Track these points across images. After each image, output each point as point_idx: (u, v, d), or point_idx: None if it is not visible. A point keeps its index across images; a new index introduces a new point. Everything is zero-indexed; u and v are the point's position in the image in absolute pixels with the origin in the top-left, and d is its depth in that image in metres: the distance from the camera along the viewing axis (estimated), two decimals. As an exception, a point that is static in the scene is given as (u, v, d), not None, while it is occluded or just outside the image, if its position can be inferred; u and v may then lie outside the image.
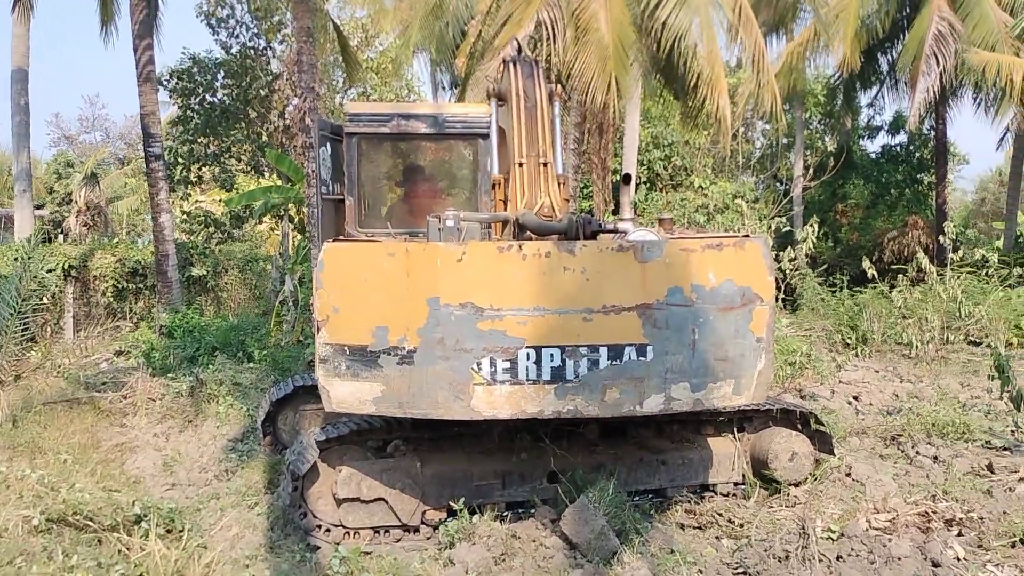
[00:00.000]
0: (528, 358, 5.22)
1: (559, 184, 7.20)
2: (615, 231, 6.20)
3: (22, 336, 11.53)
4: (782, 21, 20.29)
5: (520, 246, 5.28)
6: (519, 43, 7.65)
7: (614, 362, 5.26)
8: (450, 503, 6.05)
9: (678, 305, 5.29)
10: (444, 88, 23.36)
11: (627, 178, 6.87)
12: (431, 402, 5.26)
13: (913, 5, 22.14)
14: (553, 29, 14.11)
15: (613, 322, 5.24)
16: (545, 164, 6.92)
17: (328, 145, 7.57)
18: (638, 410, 5.34)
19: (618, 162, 20.55)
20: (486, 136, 7.33)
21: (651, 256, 5.28)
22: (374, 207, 7.62)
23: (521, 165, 6.91)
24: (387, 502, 6.07)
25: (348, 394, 5.39)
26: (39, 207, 35.28)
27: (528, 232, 6.38)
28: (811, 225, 12.39)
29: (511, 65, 7.21)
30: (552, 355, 5.23)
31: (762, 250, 5.45)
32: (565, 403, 5.28)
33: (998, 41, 19.10)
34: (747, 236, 5.58)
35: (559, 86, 7.73)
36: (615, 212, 19.97)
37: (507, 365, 5.22)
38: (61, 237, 31.39)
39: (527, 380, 5.24)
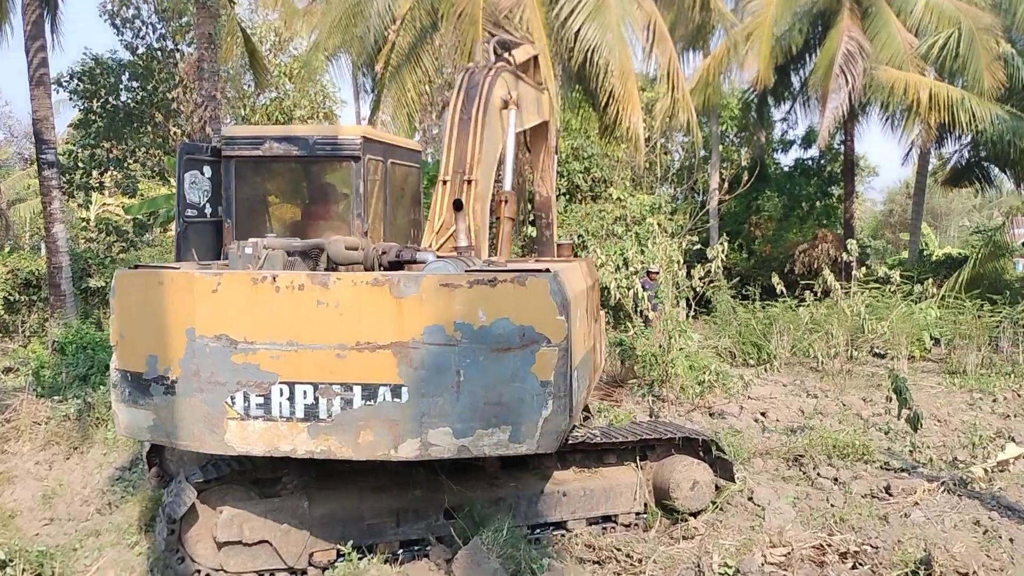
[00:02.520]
0: (282, 394, 5.02)
1: (503, 202, 6.95)
2: (414, 261, 5.97)
3: None
4: (699, 37, 20.55)
5: (274, 277, 5.07)
6: (495, 46, 7.36)
7: (368, 402, 4.97)
8: (338, 545, 5.77)
9: (438, 344, 4.94)
10: (368, 92, 22.96)
11: (457, 205, 6.58)
12: (189, 434, 5.15)
13: (824, 25, 22.75)
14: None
15: (368, 360, 4.96)
16: (470, 182, 6.64)
17: (206, 168, 7.58)
18: (393, 455, 5.01)
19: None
20: (357, 159, 7.23)
21: (407, 292, 4.95)
22: (252, 229, 7.41)
23: (445, 183, 6.66)
24: (272, 544, 5.75)
25: (131, 420, 5.40)
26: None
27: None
28: (721, 243, 12.46)
29: (463, 75, 6.97)
30: (305, 392, 5.01)
31: (549, 287, 4.96)
32: (318, 443, 5.04)
33: (904, 61, 19.76)
34: (545, 271, 5.11)
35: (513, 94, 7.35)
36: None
37: (260, 400, 5.03)
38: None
39: (280, 417, 5.04)
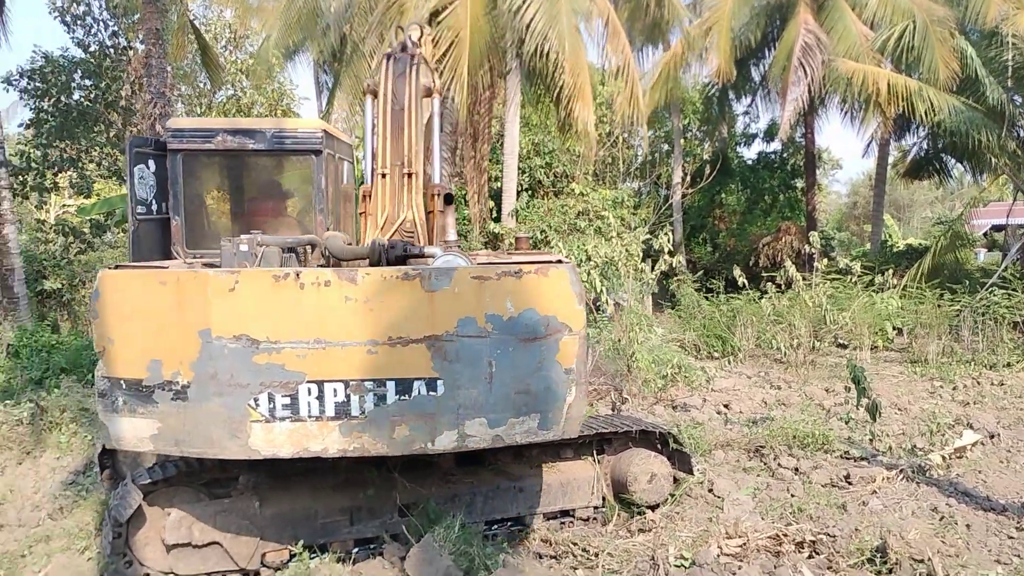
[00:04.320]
0: (310, 393, 4.88)
1: (434, 196, 6.78)
2: (422, 256, 5.88)
3: None
4: (657, 32, 20.60)
5: (297, 274, 4.92)
6: (406, 31, 7.03)
7: (402, 397, 4.93)
8: (290, 545, 5.66)
9: (471, 336, 4.96)
10: (328, 89, 22.71)
11: (448, 198, 6.49)
12: (206, 440, 4.90)
13: (782, 18, 22.91)
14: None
15: (400, 355, 4.91)
16: (410, 174, 6.47)
17: (151, 162, 7.19)
18: (430, 448, 5.00)
19: (499, 169, 20.42)
20: (319, 152, 6.98)
21: (439, 285, 4.94)
22: (203, 227, 7.19)
23: (384, 176, 6.46)
24: (222, 546, 5.63)
25: (126, 430, 5.02)
26: None
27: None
28: (667, 233, 12.43)
29: (386, 60, 6.67)
30: (335, 390, 4.89)
31: (569, 277, 5.11)
32: (351, 440, 4.94)
33: (861, 53, 19.93)
34: (559, 261, 5.27)
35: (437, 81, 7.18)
36: (496, 220, 19.82)
37: (287, 401, 4.87)
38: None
39: (309, 417, 4.90)
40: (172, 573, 5.62)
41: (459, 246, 6.22)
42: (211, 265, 5.91)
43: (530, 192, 21.20)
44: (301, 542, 5.62)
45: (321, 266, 5.97)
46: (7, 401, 10.54)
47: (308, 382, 4.86)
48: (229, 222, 7.57)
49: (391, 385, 4.92)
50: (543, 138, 21.34)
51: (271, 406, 4.86)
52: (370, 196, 6.62)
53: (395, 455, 5.10)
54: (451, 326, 4.92)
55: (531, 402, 5.07)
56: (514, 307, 4.99)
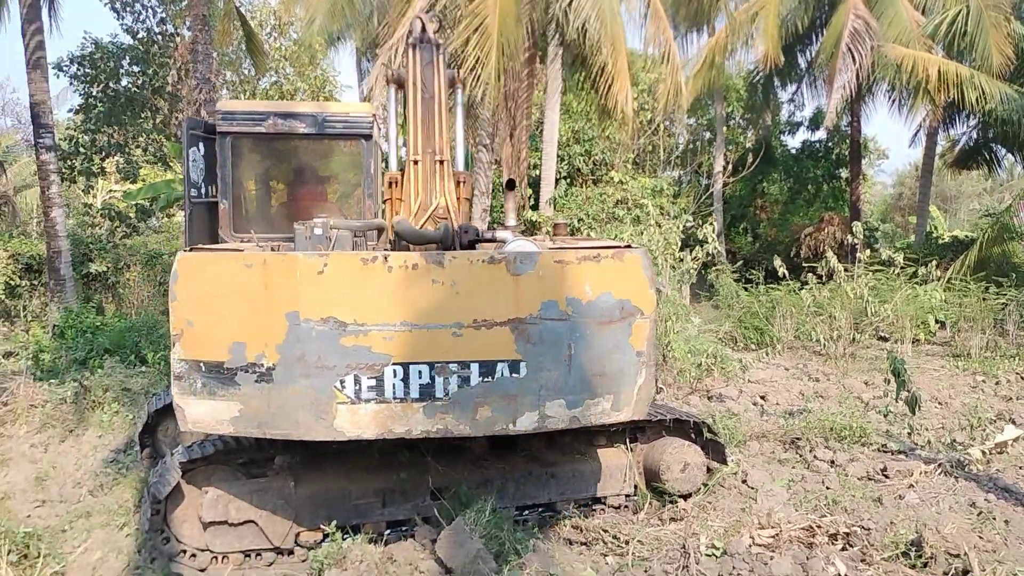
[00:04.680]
0: (395, 375, 4.95)
1: (458, 183, 6.87)
2: (493, 240, 5.93)
3: None
4: (702, 17, 20.33)
5: (385, 257, 4.98)
6: (423, 21, 7.09)
7: (486, 379, 5.03)
8: (324, 525, 5.73)
9: (553, 319, 5.07)
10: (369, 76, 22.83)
11: (511, 184, 6.57)
12: (291, 422, 4.94)
13: (830, 3, 22.49)
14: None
15: (485, 337, 5.00)
16: (442, 162, 6.57)
17: (201, 145, 7.13)
18: (511, 428, 5.12)
19: (537, 157, 20.37)
20: (369, 137, 6.95)
21: (524, 269, 5.04)
22: (251, 211, 7.21)
23: (416, 163, 6.55)
24: (258, 524, 5.73)
25: (204, 413, 5.01)
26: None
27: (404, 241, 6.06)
28: (711, 223, 12.31)
29: (411, 49, 6.75)
30: (420, 372, 4.97)
31: (643, 262, 5.24)
32: (435, 422, 5.03)
33: (911, 39, 19.50)
34: (628, 247, 5.36)
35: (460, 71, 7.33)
36: (534, 208, 19.79)
37: (372, 383, 4.93)
38: (-38, 228, 29.91)
39: (394, 398, 4.97)
40: (208, 550, 5.73)
41: (521, 231, 6.26)
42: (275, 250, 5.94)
43: (568, 180, 21.13)
44: (334, 523, 5.69)
45: (387, 250, 6.02)
46: (52, 380, 10.82)
47: (394, 364, 4.95)
48: (276, 206, 7.53)
49: (475, 367, 5.02)
50: (583, 126, 21.23)
51: (357, 388, 4.94)
52: (396, 183, 6.73)
53: (477, 435, 5.22)
54: (534, 309, 5.04)
55: (605, 384, 5.21)
56: (592, 291, 5.12)
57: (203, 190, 7.26)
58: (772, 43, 21.55)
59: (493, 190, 17.52)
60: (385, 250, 5.96)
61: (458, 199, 6.87)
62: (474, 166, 16.06)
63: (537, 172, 20.26)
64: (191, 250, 5.28)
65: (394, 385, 4.95)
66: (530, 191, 20.89)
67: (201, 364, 4.98)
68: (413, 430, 5.02)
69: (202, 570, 5.65)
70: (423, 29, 6.84)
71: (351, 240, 5.81)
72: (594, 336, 5.15)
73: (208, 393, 5.00)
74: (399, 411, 4.99)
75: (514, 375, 5.05)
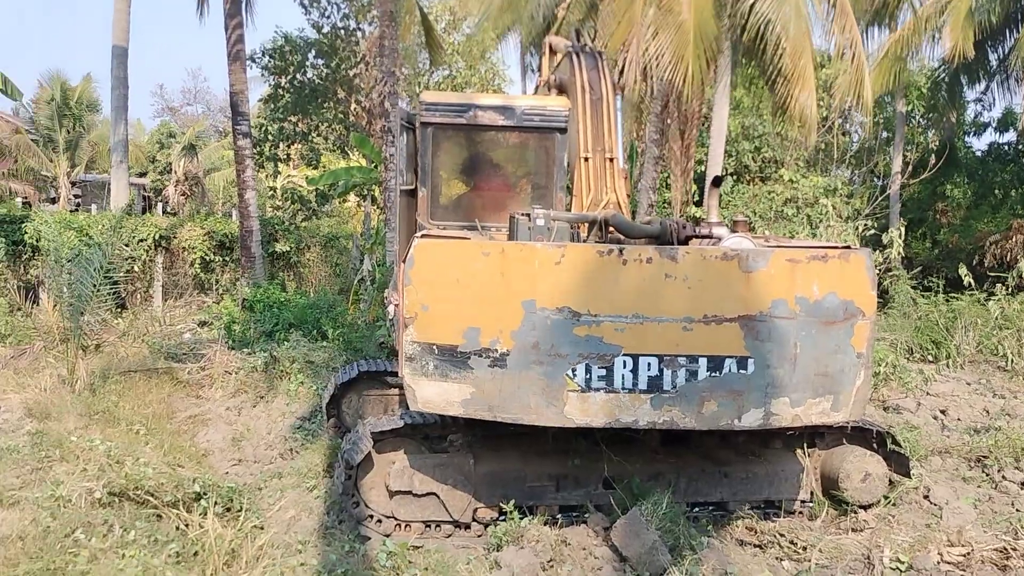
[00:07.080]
0: (625, 366, 5.09)
1: (622, 180, 7.02)
2: (709, 236, 5.92)
3: (112, 303, 11.84)
4: (886, 11, 19.32)
5: (620, 251, 5.11)
6: (579, 32, 7.43)
7: (713, 374, 5.12)
8: (501, 503, 5.96)
9: (782, 318, 5.11)
10: (534, 71, 23.16)
11: (717, 181, 6.62)
12: (523, 407, 5.13)
13: (1031, -5, 20.82)
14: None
15: (714, 333, 5.09)
16: (611, 159, 6.80)
17: (404, 134, 7.39)
18: (736, 424, 5.20)
19: (704, 153, 20.02)
20: (563, 130, 7.11)
21: (756, 266, 5.10)
22: (445, 199, 7.47)
23: (587, 160, 6.78)
24: (439, 497, 6.03)
25: (435, 394, 5.23)
26: (142, 175, 36.77)
27: (616, 234, 6.16)
28: (899, 227, 11.72)
29: (574, 56, 7.05)
30: (650, 364, 5.10)
31: (866, 263, 5.23)
32: (661, 413, 5.15)
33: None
34: (849, 247, 5.35)
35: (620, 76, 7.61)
36: (698, 204, 19.48)
37: (603, 372, 5.09)
38: (160, 205, 32.62)
39: (623, 389, 5.11)
40: (393, 517, 6.08)
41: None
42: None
43: (735, 177, 20.65)
44: (512, 501, 5.88)
45: (598, 242, 6.18)
46: (244, 350, 11.67)
47: (624, 355, 5.10)
48: (470, 196, 7.71)
49: (703, 362, 5.12)
50: (753, 121, 20.69)
51: (587, 377, 5.11)
52: None
53: (701, 429, 5.30)
54: (765, 307, 5.11)
55: (827, 384, 5.22)
56: (819, 290, 5.14)
57: (402, 177, 7.53)
58: (963, 37, 20.18)
59: (658, 186, 17.38)
60: (598, 242, 6.07)
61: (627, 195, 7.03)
62: (641, 160, 16.00)
63: (702, 168, 19.94)
64: (423, 237, 5.47)
65: (623, 376, 5.09)
66: (694, 187, 20.58)
67: (434, 347, 5.18)
68: (640, 420, 5.15)
69: (387, 535, 5.99)
70: (578, 37, 7.27)
71: (569, 232, 5.97)
72: (819, 336, 5.16)
73: (440, 375, 5.20)
74: (627, 401, 5.12)
75: (741, 371, 5.12)
